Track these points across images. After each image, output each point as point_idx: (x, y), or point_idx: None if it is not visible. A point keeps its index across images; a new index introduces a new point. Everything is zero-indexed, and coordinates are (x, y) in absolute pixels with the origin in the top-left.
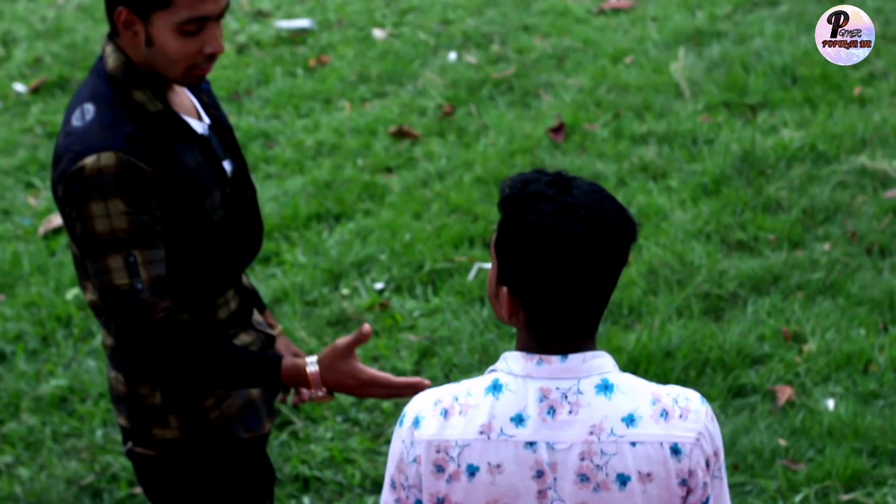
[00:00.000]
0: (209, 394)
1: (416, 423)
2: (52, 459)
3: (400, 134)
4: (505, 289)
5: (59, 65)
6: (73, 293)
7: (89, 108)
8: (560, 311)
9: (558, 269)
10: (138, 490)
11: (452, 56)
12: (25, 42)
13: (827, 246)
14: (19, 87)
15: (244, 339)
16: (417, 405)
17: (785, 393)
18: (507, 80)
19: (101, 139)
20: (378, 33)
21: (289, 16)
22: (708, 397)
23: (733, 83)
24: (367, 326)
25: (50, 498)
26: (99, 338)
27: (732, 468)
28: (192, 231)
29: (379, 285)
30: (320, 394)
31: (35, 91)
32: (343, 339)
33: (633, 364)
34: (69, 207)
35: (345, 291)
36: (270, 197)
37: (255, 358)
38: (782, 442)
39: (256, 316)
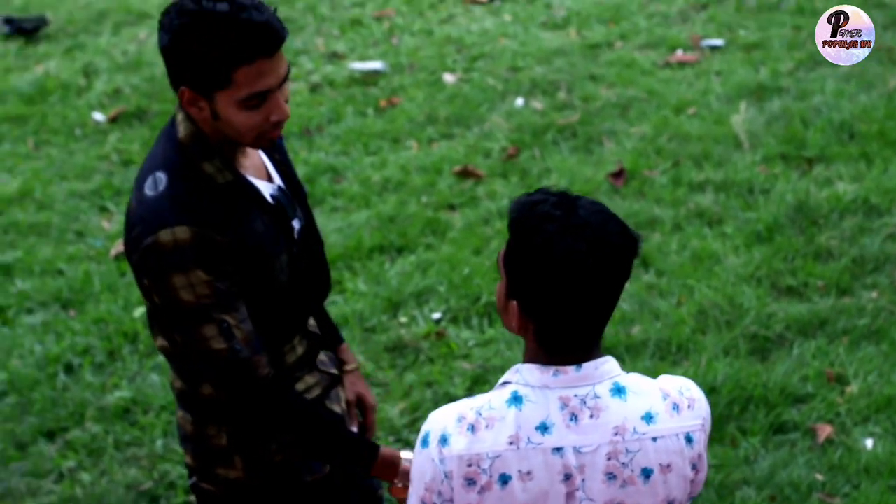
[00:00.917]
0: (274, 438)
1: (444, 440)
2: (114, 466)
3: (464, 173)
4: (514, 303)
5: (138, 96)
6: (140, 311)
7: (161, 178)
8: (567, 324)
9: (565, 287)
10: (194, 498)
11: (519, 102)
12: (106, 74)
13: (874, 294)
14: (98, 115)
15: (308, 380)
16: (439, 424)
17: (825, 431)
18: (571, 126)
19: (174, 213)
20: (448, 77)
21: (362, 58)
22: (749, 432)
23: (792, 136)
24: None
25: (109, 501)
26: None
27: (769, 500)
28: (259, 291)
29: (436, 315)
30: (400, 486)
31: (113, 120)
32: None
33: None
34: (147, 278)
35: (403, 320)
36: (336, 228)
37: (356, 440)
38: (819, 477)
39: (322, 356)
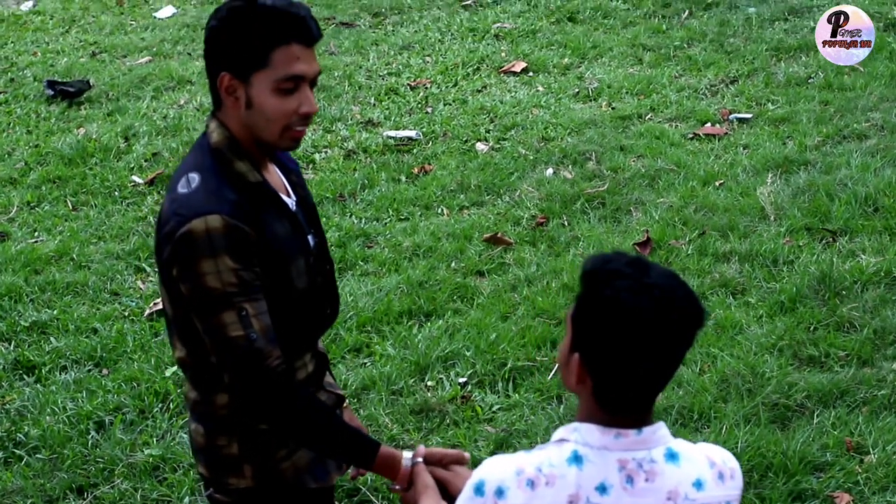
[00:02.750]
0: (282, 445)
1: (500, 493)
2: None
3: (494, 240)
4: (576, 356)
5: (176, 159)
6: (171, 370)
7: (194, 177)
8: (625, 381)
9: (627, 342)
10: None
11: (549, 171)
12: (146, 137)
13: (895, 365)
14: (136, 178)
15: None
16: (496, 475)
17: (843, 500)
18: (599, 196)
19: (207, 204)
20: (481, 146)
21: (397, 126)
22: (769, 500)
23: (817, 209)
24: (466, 455)
25: None
26: None
27: None
28: (278, 296)
29: (462, 379)
30: (397, 487)
31: (150, 183)
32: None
33: None
34: (177, 268)
35: (430, 383)
36: (366, 292)
37: (358, 435)
38: None
39: (328, 377)
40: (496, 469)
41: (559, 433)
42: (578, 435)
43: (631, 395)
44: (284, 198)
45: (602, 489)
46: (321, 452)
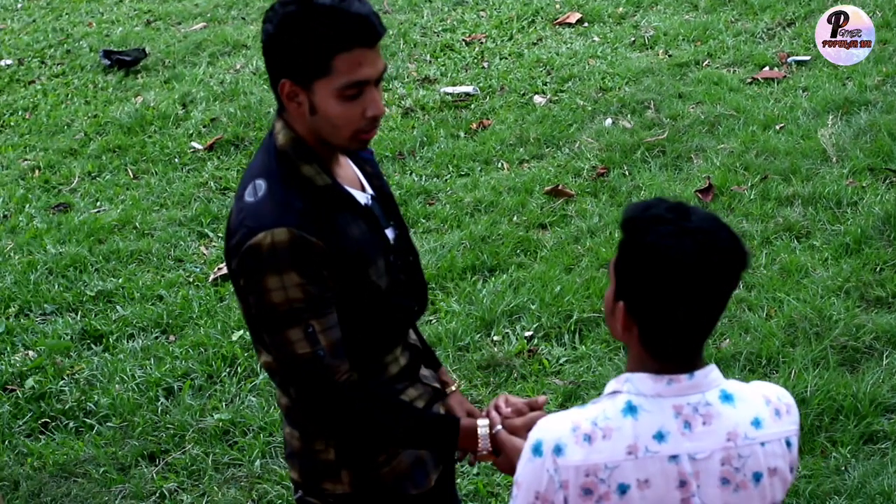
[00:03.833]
0: (381, 450)
1: (559, 450)
2: (213, 487)
3: (555, 193)
4: (621, 304)
5: (234, 124)
6: (238, 335)
7: (261, 185)
8: (670, 326)
9: (671, 288)
10: None
11: (608, 121)
12: (203, 103)
13: None
14: (196, 144)
15: (411, 393)
16: (553, 433)
17: None
18: (659, 144)
19: (273, 215)
20: (538, 99)
21: (454, 82)
22: (840, 443)
23: (879, 149)
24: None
25: None
26: (262, 376)
27: None
28: (359, 297)
29: (528, 333)
30: (485, 453)
31: (210, 149)
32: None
33: None
34: (243, 280)
35: (496, 338)
36: (429, 249)
37: (436, 419)
38: None
39: (424, 370)
40: (552, 427)
41: (611, 385)
42: (631, 385)
43: (679, 341)
44: (358, 194)
45: (660, 437)
46: (402, 447)
